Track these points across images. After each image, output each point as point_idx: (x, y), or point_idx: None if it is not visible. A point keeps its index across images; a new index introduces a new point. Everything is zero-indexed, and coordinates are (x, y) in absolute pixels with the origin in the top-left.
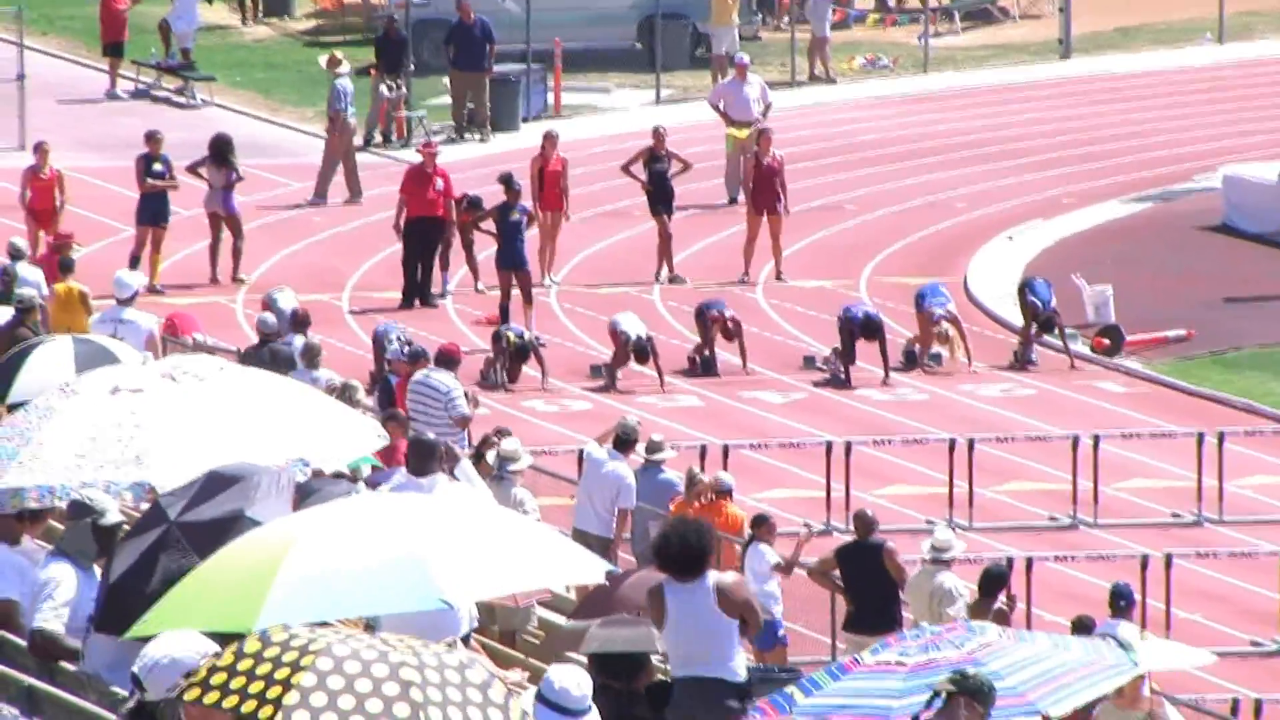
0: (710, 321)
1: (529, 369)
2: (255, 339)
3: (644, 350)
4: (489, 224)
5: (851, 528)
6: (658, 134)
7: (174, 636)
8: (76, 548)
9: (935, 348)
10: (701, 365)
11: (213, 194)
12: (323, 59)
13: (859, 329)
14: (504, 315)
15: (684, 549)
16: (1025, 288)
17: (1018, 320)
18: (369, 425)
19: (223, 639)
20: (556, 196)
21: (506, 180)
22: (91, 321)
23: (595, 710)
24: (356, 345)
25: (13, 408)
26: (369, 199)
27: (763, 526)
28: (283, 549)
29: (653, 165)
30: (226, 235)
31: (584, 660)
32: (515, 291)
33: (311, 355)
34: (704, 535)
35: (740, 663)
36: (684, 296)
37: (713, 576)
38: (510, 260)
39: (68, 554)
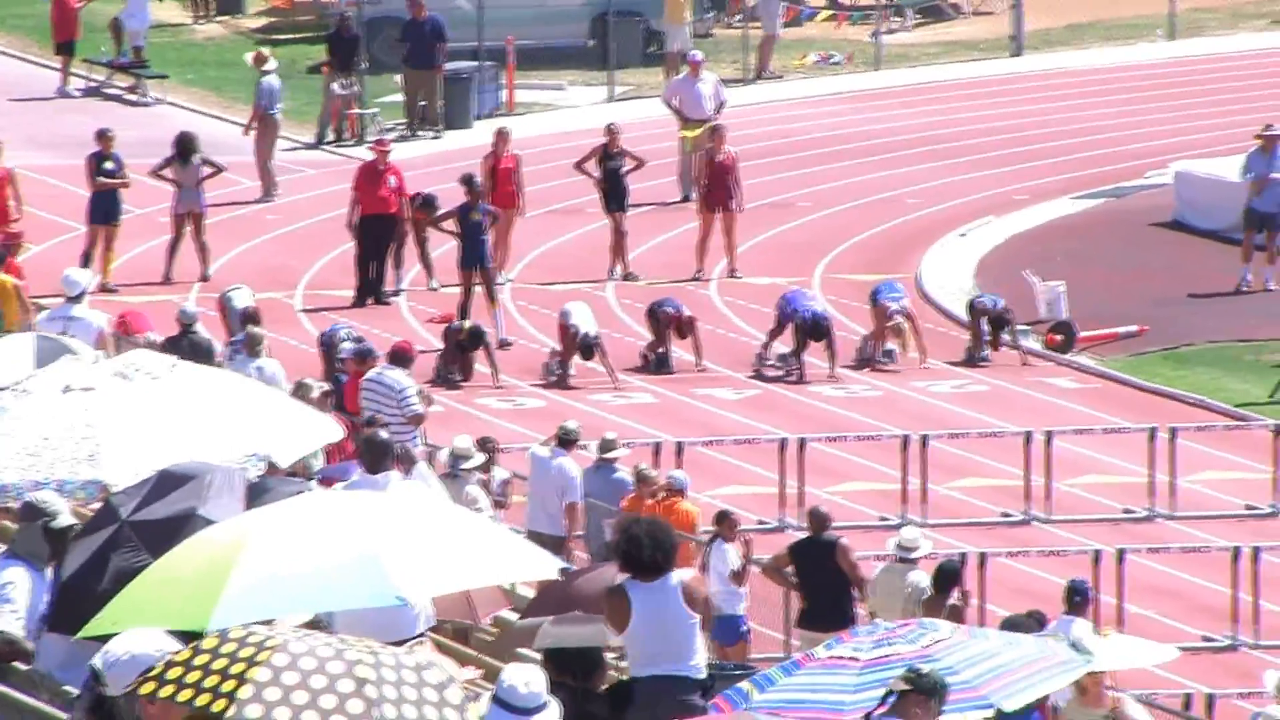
0: (664, 320)
1: (480, 365)
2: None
3: (589, 348)
4: (451, 224)
5: (805, 524)
6: (611, 131)
7: (137, 633)
8: (29, 549)
9: (888, 343)
10: (656, 363)
11: (185, 193)
12: (249, 56)
13: (808, 330)
14: (463, 314)
15: (655, 550)
16: (972, 303)
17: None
18: (323, 420)
19: (183, 637)
20: (509, 194)
21: (467, 180)
22: (40, 319)
23: (554, 706)
24: (310, 343)
25: None
26: (321, 196)
27: (724, 523)
28: (237, 547)
29: (606, 163)
30: (182, 234)
31: (538, 657)
32: (477, 290)
33: (253, 344)
34: (672, 535)
35: (703, 659)
36: (638, 294)
37: (675, 575)
38: (472, 260)
39: (21, 556)
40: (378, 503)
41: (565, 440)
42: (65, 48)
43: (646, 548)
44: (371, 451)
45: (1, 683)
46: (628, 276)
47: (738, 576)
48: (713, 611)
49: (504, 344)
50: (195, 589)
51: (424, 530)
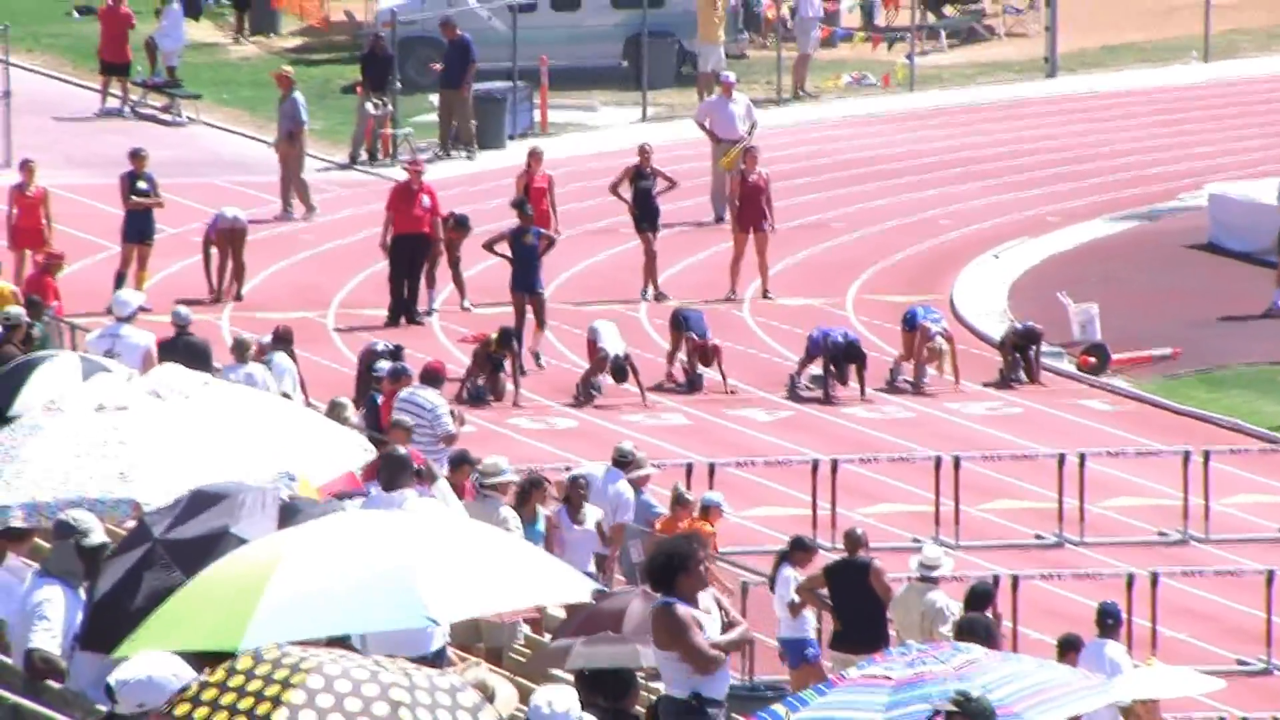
0: (689, 344)
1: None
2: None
3: (621, 370)
4: (503, 247)
5: (839, 546)
6: (643, 151)
7: (152, 656)
8: (63, 568)
9: (928, 366)
10: (687, 384)
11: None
12: (277, 76)
13: (841, 355)
14: (517, 338)
15: (652, 561)
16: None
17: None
18: (354, 440)
19: (210, 659)
20: (543, 214)
21: (519, 204)
22: (89, 339)
23: None
24: (342, 363)
25: (10, 420)
26: (355, 216)
27: (797, 550)
28: (269, 567)
29: (638, 183)
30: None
31: (569, 678)
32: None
33: (241, 350)
34: (677, 551)
35: (688, 682)
36: (669, 315)
37: (662, 604)
38: (524, 284)
39: (55, 574)
40: (411, 523)
41: (621, 462)
42: (115, 68)
43: (655, 560)
44: (388, 468)
45: (35, 700)
46: (658, 297)
47: (794, 607)
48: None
49: (536, 357)
50: (228, 609)
51: (457, 551)
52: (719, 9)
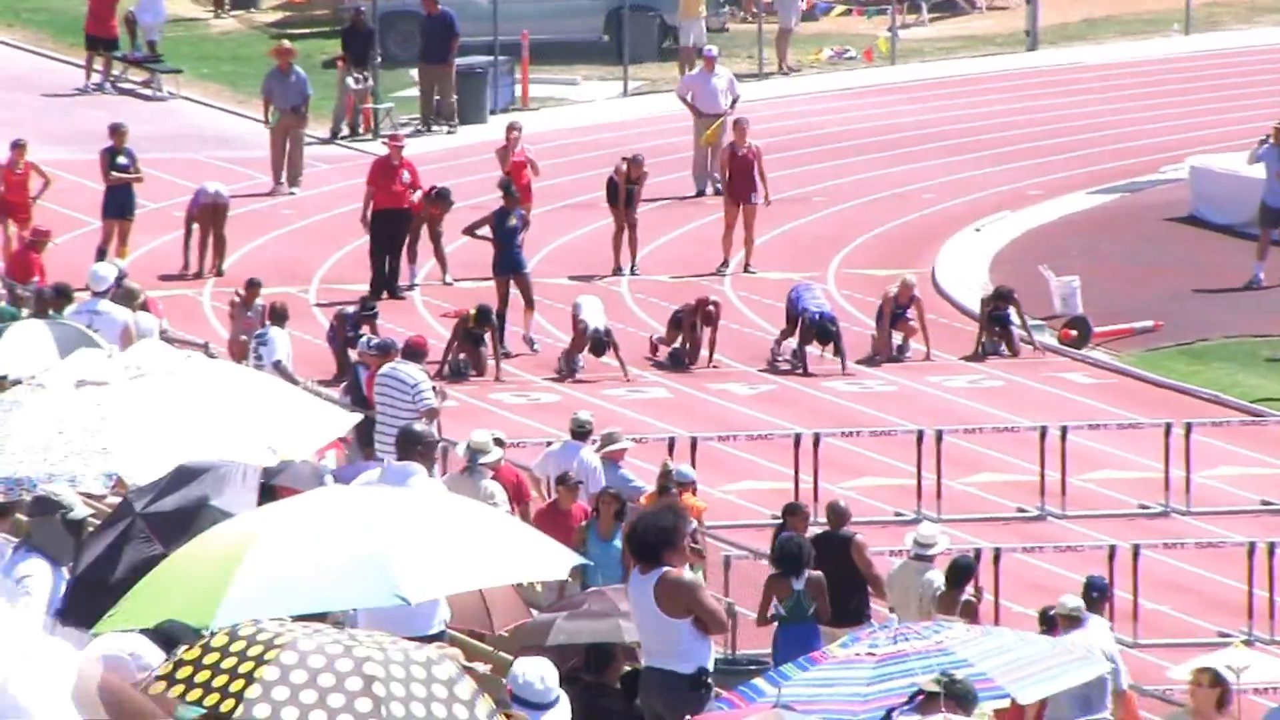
0: (686, 311)
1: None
2: (224, 332)
3: (601, 344)
4: (485, 230)
5: (821, 520)
6: (635, 162)
7: (116, 635)
8: (48, 543)
9: (898, 338)
10: (671, 359)
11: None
12: (279, 51)
13: (815, 330)
14: (500, 320)
15: (640, 536)
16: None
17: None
18: (336, 413)
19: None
20: (523, 188)
21: (504, 186)
22: (67, 313)
23: (565, 700)
24: (323, 337)
25: None
26: (336, 191)
27: (796, 515)
28: (244, 545)
29: (630, 186)
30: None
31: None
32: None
33: (130, 298)
34: (663, 525)
35: (694, 655)
36: (652, 289)
37: (662, 572)
38: (508, 265)
39: (38, 549)
40: (391, 500)
41: (580, 432)
42: (102, 43)
43: (637, 532)
44: (402, 444)
45: None
46: (631, 270)
47: None
48: (704, 605)
49: (528, 342)
50: (202, 586)
51: (437, 528)
52: None
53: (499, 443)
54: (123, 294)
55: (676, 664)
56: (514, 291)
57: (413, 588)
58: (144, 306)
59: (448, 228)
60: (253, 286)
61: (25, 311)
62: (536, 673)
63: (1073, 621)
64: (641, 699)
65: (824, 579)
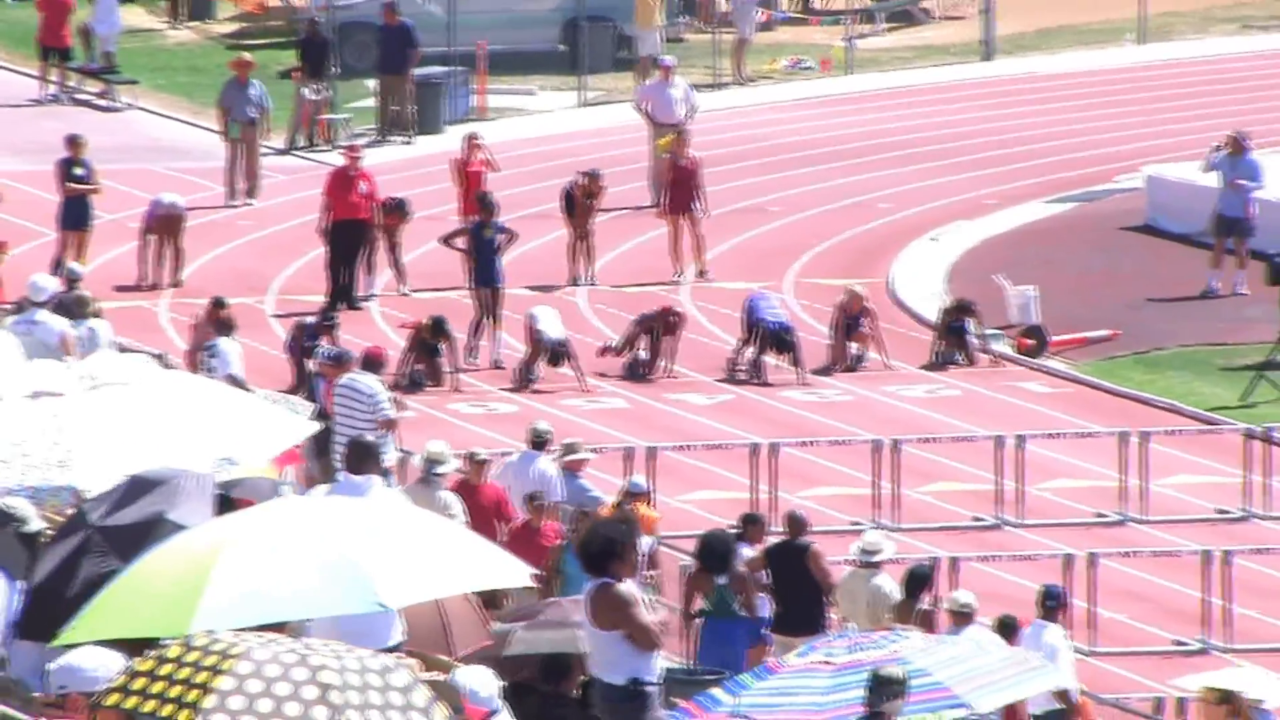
0: (646, 320)
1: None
2: (181, 343)
3: (557, 354)
4: (462, 242)
5: (778, 530)
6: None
7: (88, 648)
8: (2, 557)
9: (854, 348)
10: (628, 369)
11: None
12: (238, 63)
13: (771, 341)
14: (476, 332)
15: (586, 546)
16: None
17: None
18: (294, 421)
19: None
20: (476, 194)
21: (482, 199)
22: (6, 323)
23: (506, 711)
24: (280, 349)
25: None
26: (293, 202)
27: (754, 526)
28: (214, 554)
29: (587, 201)
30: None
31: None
32: None
33: (82, 305)
34: (610, 535)
35: (625, 666)
36: (609, 299)
37: (599, 583)
38: (485, 279)
39: None
40: (352, 509)
41: (538, 442)
42: (55, 52)
43: (587, 543)
44: (355, 454)
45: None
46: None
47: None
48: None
49: (496, 364)
50: (173, 596)
51: (399, 537)
52: None
53: (472, 458)
54: (75, 301)
55: (609, 674)
56: None
57: (390, 593)
58: (96, 315)
59: (405, 238)
60: (218, 306)
61: None
62: (478, 680)
63: (962, 618)
64: (596, 708)
65: (749, 575)
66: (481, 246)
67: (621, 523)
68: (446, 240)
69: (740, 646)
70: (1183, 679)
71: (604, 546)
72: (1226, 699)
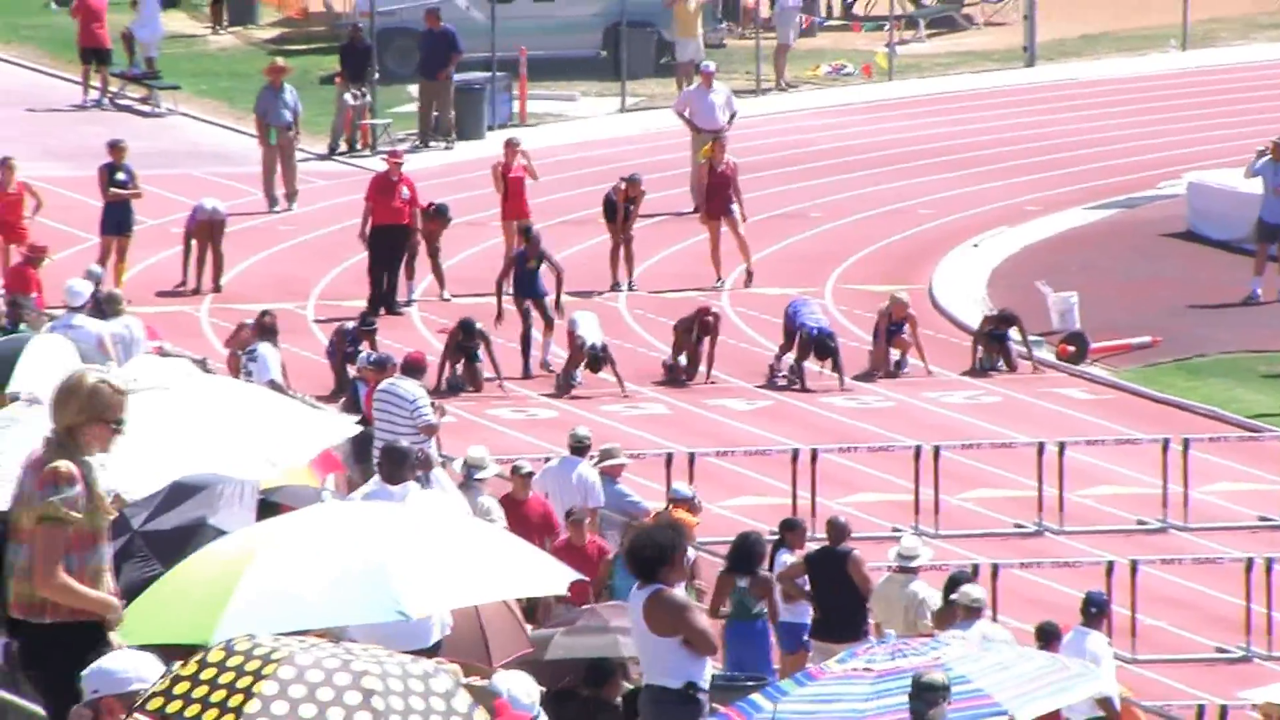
0: (684, 322)
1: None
2: (221, 349)
3: (597, 359)
4: (508, 281)
5: (819, 536)
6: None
7: (124, 652)
8: None
9: (895, 354)
10: (669, 372)
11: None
12: (274, 69)
13: (813, 346)
14: (526, 343)
15: (636, 552)
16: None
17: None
18: (332, 420)
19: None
20: (521, 204)
21: (525, 231)
22: (44, 328)
23: (545, 718)
24: (322, 354)
25: (13, 398)
26: (334, 207)
27: (793, 532)
28: (243, 561)
29: (628, 206)
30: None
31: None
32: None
33: (114, 303)
34: (661, 541)
35: (682, 670)
36: (650, 305)
37: (654, 590)
38: (527, 291)
39: None
40: (388, 515)
41: (578, 447)
42: (95, 54)
43: (636, 547)
44: (390, 461)
45: (14, 692)
46: (628, 287)
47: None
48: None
49: (545, 367)
50: (201, 604)
51: (433, 543)
52: (691, 4)
53: (516, 471)
54: (106, 299)
55: (665, 679)
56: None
57: (413, 603)
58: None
59: (445, 244)
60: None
61: (23, 326)
62: (521, 688)
63: (972, 612)
64: (642, 716)
65: (773, 580)
66: (523, 274)
67: (670, 528)
68: (500, 284)
69: (758, 650)
70: (1248, 692)
71: (656, 553)
72: None
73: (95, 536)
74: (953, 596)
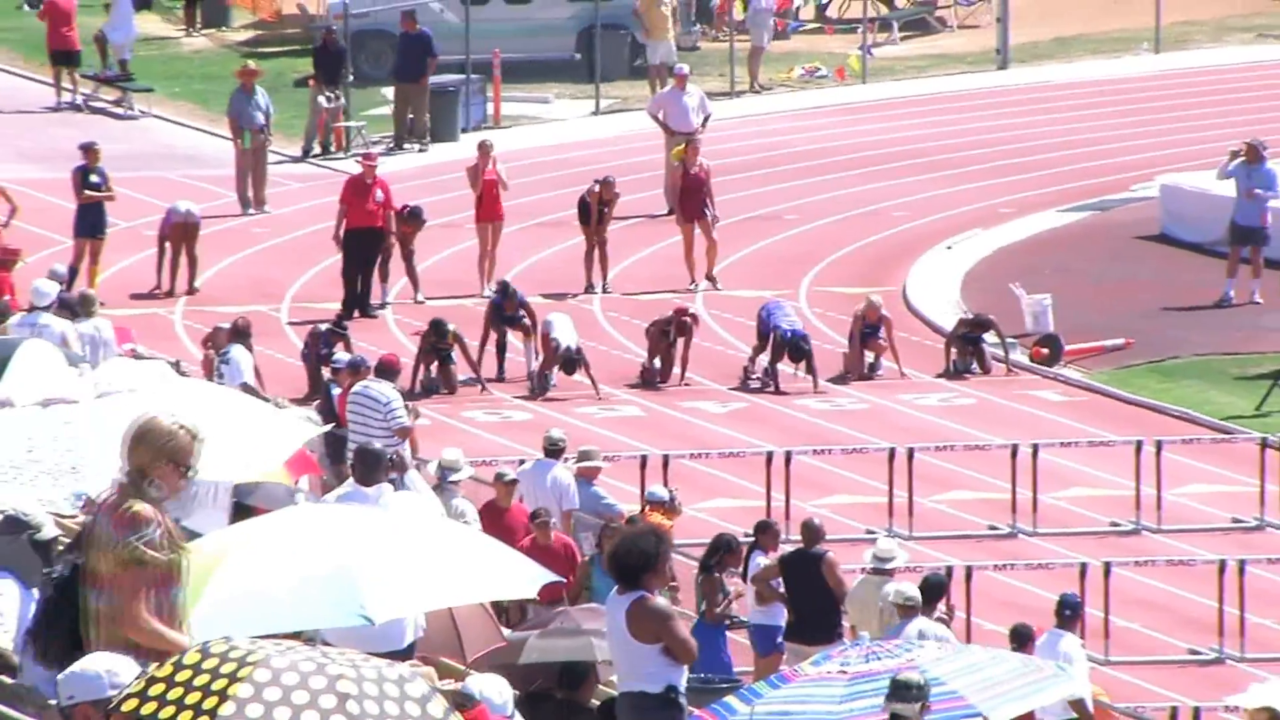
0: (659, 324)
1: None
2: (196, 351)
3: (572, 362)
4: (490, 337)
5: (794, 538)
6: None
7: (99, 654)
8: (17, 563)
9: (870, 356)
10: (642, 377)
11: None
12: (245, 72)
13: (787, 349)
14: (501, 347)
15: (620, 558)
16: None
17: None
18: (299, 419)
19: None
20: (496, 206)
21: (503, 287)
22: (9, 325)
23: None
24: (296, 356)
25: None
26: (308, 209)
27: (766, 534)
28: (212, 564)
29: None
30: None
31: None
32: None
33: (87, 304)
34: (644, 548)
35: (662, 675)
36: (623, 307)
37: (637, 596)
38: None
39: (9, 568)
40: (360, 519)
41: (552, 450)
42: (64, 57)
43: (617, 554)
44: (363, 463)
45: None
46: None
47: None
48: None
49: (531, 377)
50: None
51: (404, 546)
52: (663, 6)
53: (500, 479)
54: (80, 300)
55: (644, 684)
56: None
57: (377, 607)
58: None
59: (419, 246)
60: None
61: None
62: (493, 689)
63: (907, 610)
64: None
65: (717, 580)
66: (502, 318)
67: (653, 535)
68: (483, 341)
69: (707, 651)
70: (1234, 697)
71: (640, 560)
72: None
73: (173, 576)
74: (886, 594)
